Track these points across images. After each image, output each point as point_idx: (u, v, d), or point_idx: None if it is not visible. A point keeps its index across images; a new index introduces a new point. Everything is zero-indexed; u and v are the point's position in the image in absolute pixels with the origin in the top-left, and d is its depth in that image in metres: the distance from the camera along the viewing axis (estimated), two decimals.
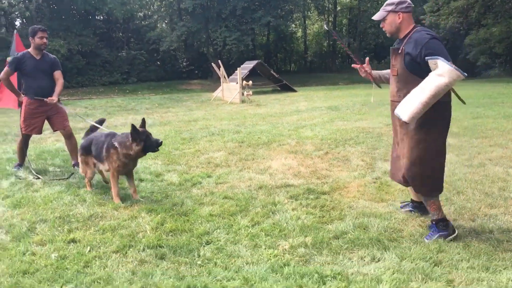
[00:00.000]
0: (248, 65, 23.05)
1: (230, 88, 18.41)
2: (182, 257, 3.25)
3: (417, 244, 3.36)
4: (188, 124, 10.84)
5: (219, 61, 19.69)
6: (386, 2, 3.56)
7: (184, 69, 36.52)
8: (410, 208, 4.07)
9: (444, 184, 3.62)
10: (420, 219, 3.85)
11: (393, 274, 2.90)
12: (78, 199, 4.70)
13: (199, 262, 3.18)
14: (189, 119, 11.89)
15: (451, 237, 3.42)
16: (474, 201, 4.29)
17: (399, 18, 3.47)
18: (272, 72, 24.87)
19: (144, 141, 4.53)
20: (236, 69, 22.25)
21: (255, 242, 3.48)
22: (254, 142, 7.75)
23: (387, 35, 3.65)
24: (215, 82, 28.06)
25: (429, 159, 3.43)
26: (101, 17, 34.83)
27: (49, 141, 8.65)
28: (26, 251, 3.43)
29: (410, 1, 3.50)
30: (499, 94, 15.59)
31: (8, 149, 7.70)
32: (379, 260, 3.12)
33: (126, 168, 4.75)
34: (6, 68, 5.85)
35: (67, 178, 5.62)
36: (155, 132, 9.24)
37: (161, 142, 4.68)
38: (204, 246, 3.46)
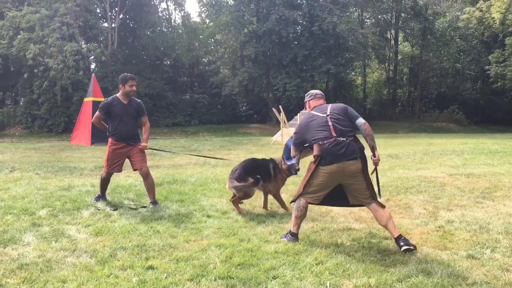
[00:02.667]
0: None
1: (290, 133, 18.72)
2: None
3: None
4: None
5: (280, 106, 20.20)
6: (306, 95, 5.15)
7: (244, 113, 37.49)
8: None
9: None
10: (485, 268, 3.87)
11: None
12: (152, 231, 5.07)
13: None
14: None
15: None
16: None
17: (308, 105, 5.01)
18: None
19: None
20: (294, 115, 22.69)
21: (319, 279, 3.65)
22: None
23: None
24: (274, 126, 28.63)
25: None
26: (168, 62, 36.91)
27: (121, 176, 9.25)
28: (110, 274, 3.78)
29: (316, 92, 5.04)
30: None
31: (86, 182, 8.33)
32: None
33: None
34: (97, 113, 6.42)
35: (136, 209, 6.16)
36: (218, 173, 9.65)
37: (299, 168, 5.98)
38: (271, 280, 3.66)
